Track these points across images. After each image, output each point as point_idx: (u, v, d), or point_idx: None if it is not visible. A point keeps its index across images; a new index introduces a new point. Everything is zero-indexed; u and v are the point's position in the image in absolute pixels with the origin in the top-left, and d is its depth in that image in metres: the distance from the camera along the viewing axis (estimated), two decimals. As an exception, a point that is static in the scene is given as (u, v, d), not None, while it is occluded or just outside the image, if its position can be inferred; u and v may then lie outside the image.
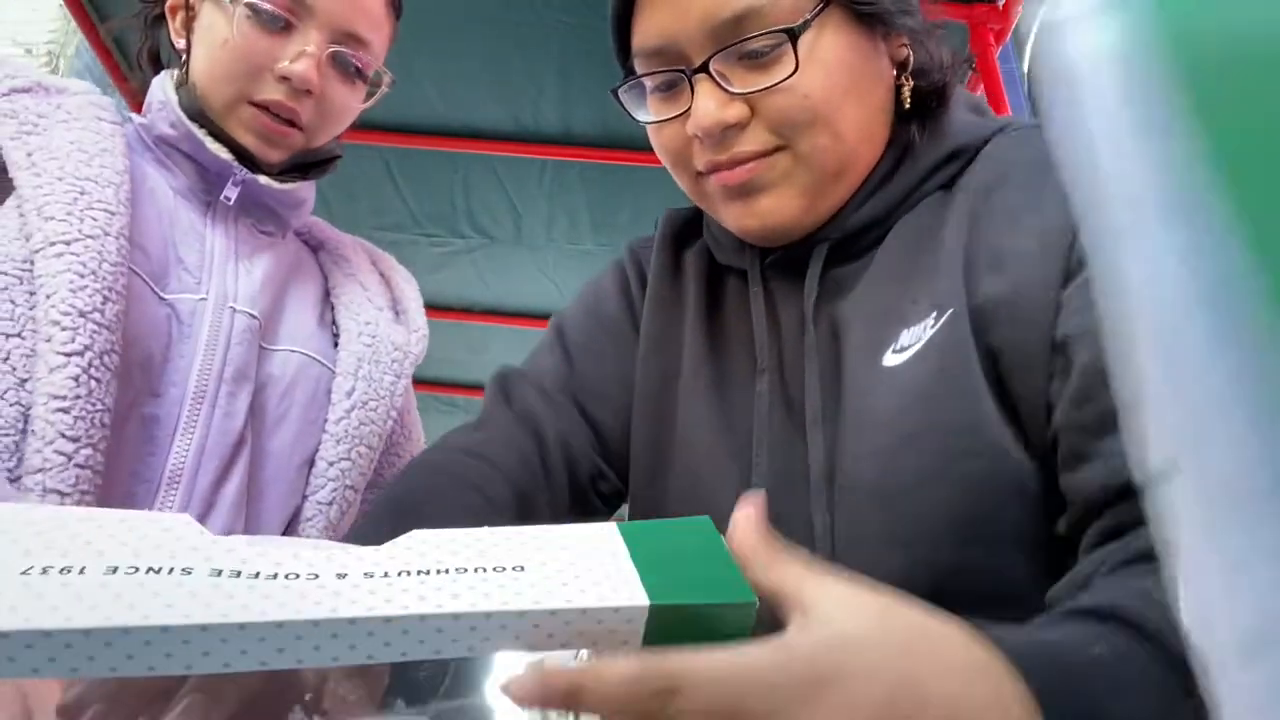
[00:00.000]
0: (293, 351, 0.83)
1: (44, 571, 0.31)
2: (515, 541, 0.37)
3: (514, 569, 0.34)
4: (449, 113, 2.30)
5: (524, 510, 0.65)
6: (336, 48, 0.80)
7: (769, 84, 0.59)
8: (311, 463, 0.81)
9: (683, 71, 0.61)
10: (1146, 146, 0.22)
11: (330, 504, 0.79)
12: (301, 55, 0.78)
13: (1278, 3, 0.22)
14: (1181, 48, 0.22)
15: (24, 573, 0.31)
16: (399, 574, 0.34)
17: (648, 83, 0.65)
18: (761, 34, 0.58)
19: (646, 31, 0.63)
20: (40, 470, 0.61)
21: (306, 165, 0.88)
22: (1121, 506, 0.48)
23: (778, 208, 0.62)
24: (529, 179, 2.50)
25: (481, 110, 2.28)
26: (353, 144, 2.46)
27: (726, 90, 0.60)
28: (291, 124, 0.81)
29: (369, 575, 0.34)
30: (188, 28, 0.82)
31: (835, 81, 0.60)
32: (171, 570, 0.32)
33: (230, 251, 0.82)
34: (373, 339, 0.87)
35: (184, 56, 0.82)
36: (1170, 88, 0.22)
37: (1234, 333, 0.21)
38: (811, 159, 0.61)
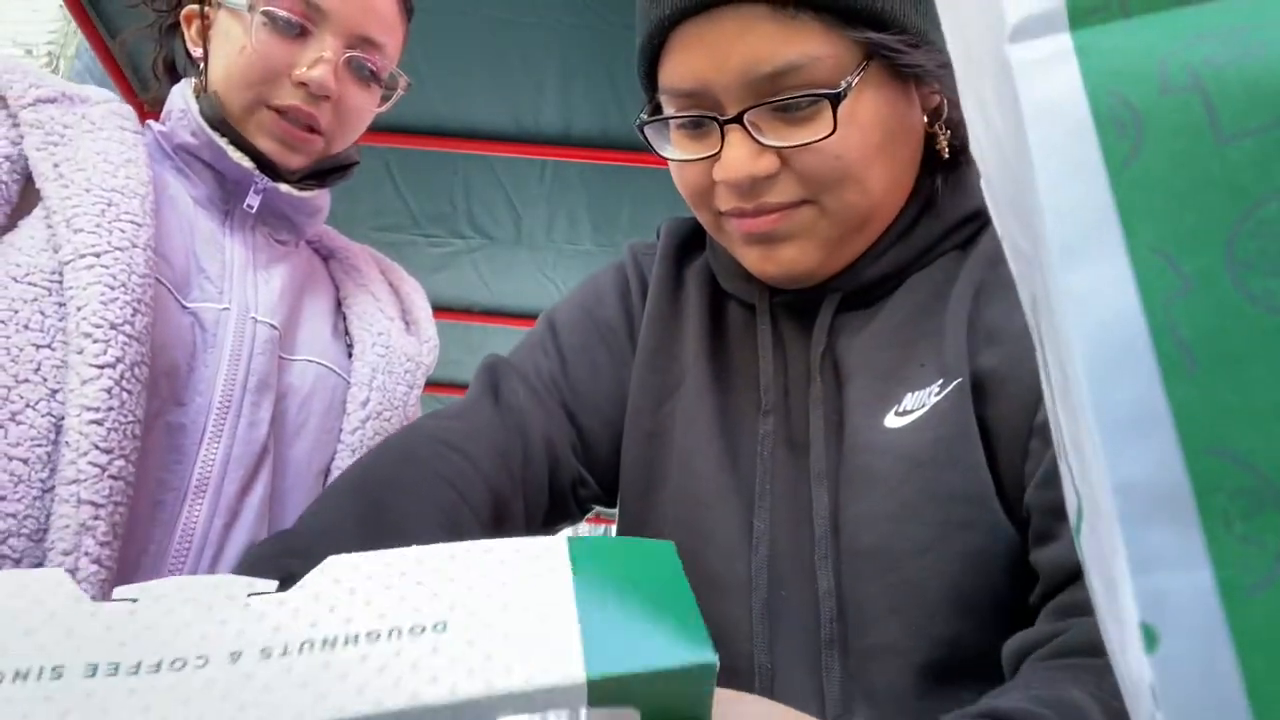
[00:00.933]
0: (310, 362, 0.84)
1: None
2: (446, 575, 0.32)
3: (435, 628, 0.30)
4: (449, 113, 2.30)
5: (499, 512, 0.64)
6: (352, 53, 0.81)
7: (803, 141, 0.58)
8: (328, 472, 0.82)
9: (715, 118, 0.60)
10: (1072, 191, 0.25)
11: None
12: (319, 61, 0.79)
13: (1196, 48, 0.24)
14: (1106, 99, 0.24)
15: None
16: (300, 647, 0.30)
17: (673, 123, 0.64)
18: (803, 94, 0.57)
19: (680, 72, 0.60)
20: (75, 481, 0.62)
21: (324, 172, 0.88)
22: (1078, 585, 0.49)
23: (800, 258, 0.62)
24: (529, 179, 2.50)
25: (481, 110, 2.28)
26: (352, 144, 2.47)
27: (758, 141, 0.59)
28: (311, 129, 0.82)
29: (266, 654, 0.29)
30: (204, 36, 0.83)
31: (870, 141, 0.59)
32: (40, 673, 0.28)
33: (249, 261, 0.83)
34: (386, 349, 0.88)
35: (201, 65, 0.83)
36: (1095, 138, 0.24)
37: (1126, 375, 0.23)
38: (838, 214, 0.60)
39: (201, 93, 0.82)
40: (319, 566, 0.33)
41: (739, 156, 0.59)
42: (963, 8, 0.31)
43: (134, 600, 0.31)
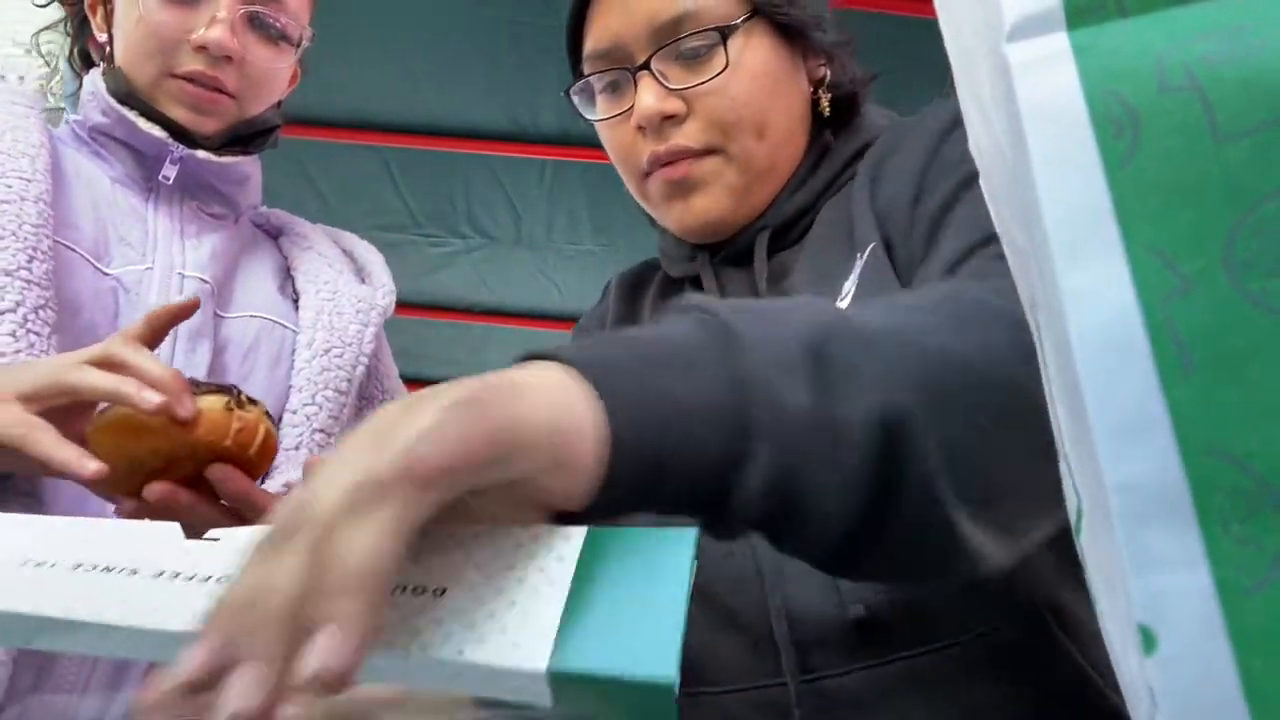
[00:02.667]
0: (253, 317, 0.85)
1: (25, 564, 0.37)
2: (466, 549, 0.33)
3: (435, 591, 0.32)
4: (449, 113, 2.30)
5: None
6: (249, 8, 0.81)
7: (703, 80, 0.67)
8: (279, 418, 0.82)
9: (627, 69, 0.68)
10: (1069, 191, 0.25)
11: (297, 448, 0.80)
12: (214, 22, 0.79)
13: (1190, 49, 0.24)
14: (1103, 99, 0.25)
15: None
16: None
17: (596, 84, 0.72)
18: (697, 32, 0.66)
19: (597, 34, 0.70)
20: None
21: (246, 138, 0.88)
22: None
23: (712, 205, 0.69)
24: (529, 179, 2.50)
25: (481, 110, 2.28)
26: (353, 144, 2.47)
27: (665, 86, 0.67)
28: (219, 91, 0.82)
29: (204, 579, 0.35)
30: (108, 21, 0.84)
31: (760, 86, 0.68)
32: (120, 570, 0.35)
33: (175, 231, 0.84)
34: (333, 294, 0.89)
35: (108, 49, 0.85)
36: (1092, 137, 0.25)
37: (1125, 376, 0.23)
38: (740, 160, 0.68)
39: (108, 73, 0.84)
40: None
41: (648, 98, 0.67)
42: (960, 7, 0.31)
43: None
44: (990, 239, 0.50)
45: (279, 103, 0.93)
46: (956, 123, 0.60)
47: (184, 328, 0.77)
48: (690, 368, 0.36)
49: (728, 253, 0.73)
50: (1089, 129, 0.25)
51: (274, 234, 0.98)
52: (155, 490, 0.57)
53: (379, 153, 2.43)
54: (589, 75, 0.72)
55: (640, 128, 0.69)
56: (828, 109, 0.73)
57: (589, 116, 0.74)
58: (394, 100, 2.30)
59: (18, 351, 0.66)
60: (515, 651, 0.30)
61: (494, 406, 0.30)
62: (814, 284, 0.65)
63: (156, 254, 0.81)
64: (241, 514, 0.59)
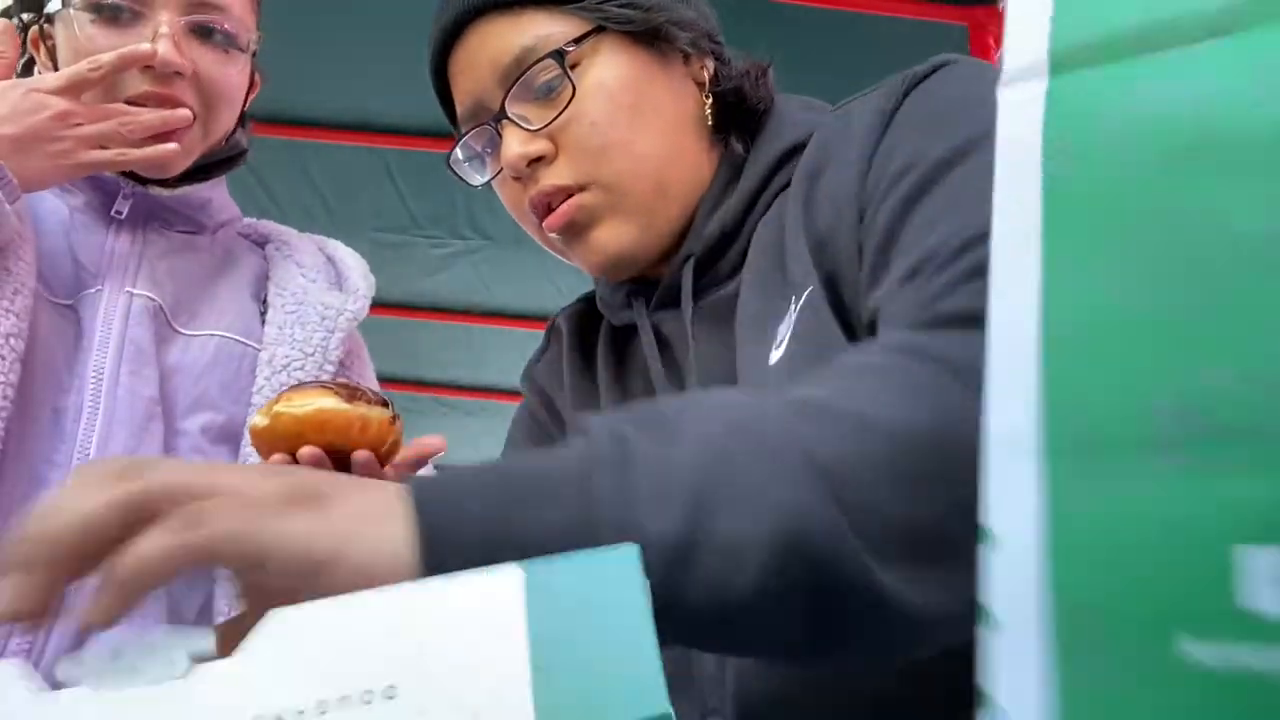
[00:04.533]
0: (212, 335, 0.84)
1: None
2: (397, 626, 0.32)
3: (384, 694, 0.30)
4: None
5: None
6: (190, 18, 0.78)
7: (558, 112, 0.63)
8: (241, 437, 0.81)
9: (488, 124, 0.66)
10: (1011, 222, 0.30)
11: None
12: (157, 37, 0.76)
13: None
14: (1057, 141, 0.29)
15: None
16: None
17: (476, 147, 0.70)
18: (535, 63, 0.63)
19: (459, 99, 0.68)
20: None
21: (209, 166, 0.87)
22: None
23: (612, 237, 0.65)
24: (529, 180, 2.49)
25: (482, 111, 2.28)
26: (353, 145, 2.47)
27: (526, 129, 0.64)
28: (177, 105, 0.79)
29: None
30: (52, 57, 0.82)
31: (620, 103, 0.63)
32: None
33: (134, 252, 0.83)
34: (298, 305, 0.87)
35: None
36: (1040, 176, 0.29)
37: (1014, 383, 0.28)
38: (618, 186, 0.63)
39: None
40: (259, 625, 0.32)
41: (511, 144, 0.64)
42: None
43: (79, 679, 0.32)
44: (932, 256, 0.47)
45: (242, 118, 0.91)
46: (885, 124, 0.55)
47: (129, 349, 0.78)
48: (546, 501, 0.37)
49: (661, 295, 0.68)
50: (1039, 168, 0.29)
51: (260, 242, 0.97)
52: (308, 454, 0.60)
53: (379, 153, 2.43)
54: (458, 138, 0.69)
55: (516, 178, 0.65)
56: (710, 114, 0.67)
57: (474, 183, 0.71)
58: (394, 101, 2.30)
59: None
60: None
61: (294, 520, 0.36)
62: (751, 332, 0.61)
63: (109, 273, 0.81)
64: None
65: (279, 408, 0.62)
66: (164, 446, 0.77)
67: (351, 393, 0.63)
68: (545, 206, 0.64)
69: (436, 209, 2.65)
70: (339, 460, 0.62)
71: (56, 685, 0.33)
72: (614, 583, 0.32)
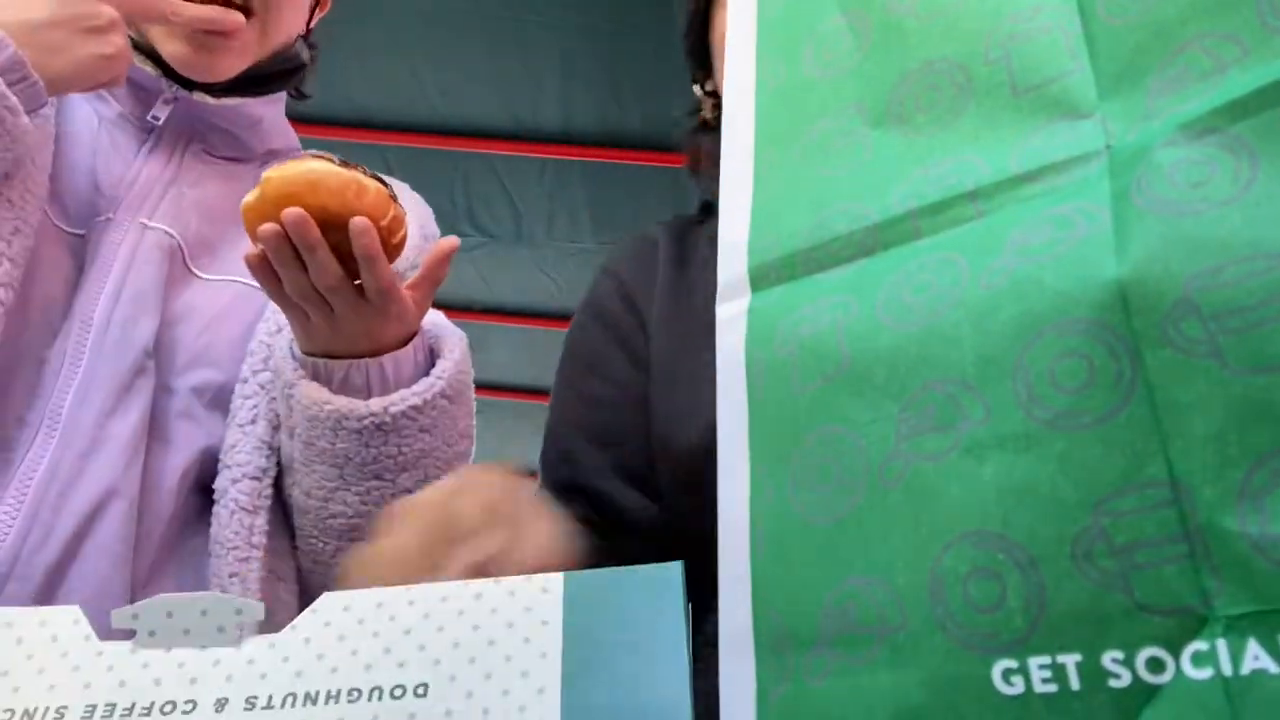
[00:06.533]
0: (231, 281, 0.73)
1: None
2: (435, 622, 0.32)
3: (415, 691, 0.30)
4: (449, 111, 2.30)
5: None
6: None
7: None
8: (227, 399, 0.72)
9: None
10: (727, 424, 0.37)
11: (253, 422, 0.69)
12: None
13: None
14: (755, 351, 0.37)
15: None
16: (284, 701, 0.31)
17: None
18: None
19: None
20: None
21: (263, 79, 0.78)
22: None
23: None
24: (529, 177, 2.50)
25: (481, 109, 2.28)
26: (352, 142, 2.47)
27: None
28: (233, 6, 0.70)
29: (249, 705, 0.31)
30: None
31: None
32: (46, 713, 0.31)
33: (163, 177, 0.73)
34: None
35: None
36: (744, 384, 0.37)
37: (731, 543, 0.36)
38: None
39: None
40: (312, 606, 0.33)
41: None
42: None
43: (133, 630, 0.33)
44: None
45: (307, 35, 0.82)
46: None
47: (128, 291, 0.67)
48: None
49: None
50: (743, 379, 0.37)
51: None
52: (292, 213, 0.55)
53: (379, 151, 2.43)
54: None
55: None
56: None
57: None
58: (395, 98, 2.30)
59: None
60: None
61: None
62: None
63: (127, 201, 0.70)
64: (361, 284, 0.59)
65: (268, 173, 0.57)
66: (150, 407, 0.67)
67: (348, 163, 0.58)
68: None
69: (436, 206, 2.63)
70: (335, 233, 0.56)
71: (110, 635, 0.34)
72: (654, 600, 0.31)
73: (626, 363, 0.71)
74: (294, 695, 0.31)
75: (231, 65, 0.73)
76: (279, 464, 0.69)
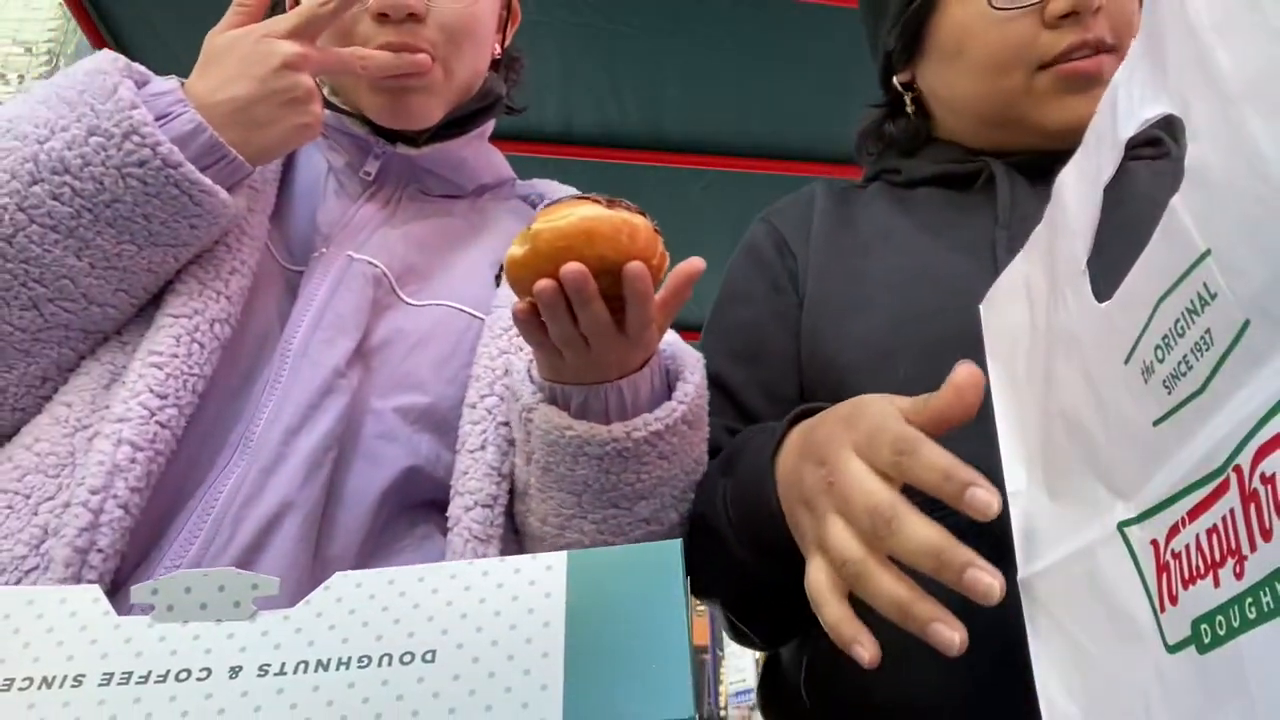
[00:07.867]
0: (437, 305, 0.76)
1: None
2: (444, 597, 0.34)
3: (424, 657, 0.32)
4: (449, 111, 2.30)
5: None
6: None
7: None
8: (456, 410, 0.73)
9: None
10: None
11: (482, 447, 0.70)
12: None
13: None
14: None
15: None
16: (296, 667, 0.32)
17: None
18: None
19: None
20: (121, 420, 0.60)
21: (463, 120, 0.81)
22: None
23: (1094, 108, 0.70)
24: (529, 177, 2.49)
25: (482, 109, 2.28)
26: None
27: None
28: (417, 50, 0.74)
29: (262, 672, 0.32)
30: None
31: None
32: (63, 681, 0.33)
33: (378, 217, 0.78)
34: None
35: None
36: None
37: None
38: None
39: None
40: (324, 584, 0.35)
41: None
42: None
43: (151, 605, 0.35)
44: None
45: (498, 62, 0.84)
46: None
47: (330, 315, 0.70)
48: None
49: (1021, 162, 0.75)
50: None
51: (536, 204, 0.91)
52: (572, 269, 0.54)
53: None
54: None
55: (1065, 16, 0.70)
56: None
57: (1000, 5, 0.73)
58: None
59: (174, 356, 0.63)
60: (525, 713, 0.30)
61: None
62: None
63: (339, 238, 0.75)
64: (626, 322, 0.59)
65: (536, 227, 0.55)
66: (345, 426, 0.68)
67: (609, 200, 0.57)
68: (1076, 50, 0.71)
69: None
70: (605, 277, 0.55)
71: (128, 611, 0.36)
72: (655, 577, 0.33)
73: (769, 289, 0.80)
74: (305, 663, 0.32)
75: (425, 105, 0.77)
76: (510, 490, 0.69)
